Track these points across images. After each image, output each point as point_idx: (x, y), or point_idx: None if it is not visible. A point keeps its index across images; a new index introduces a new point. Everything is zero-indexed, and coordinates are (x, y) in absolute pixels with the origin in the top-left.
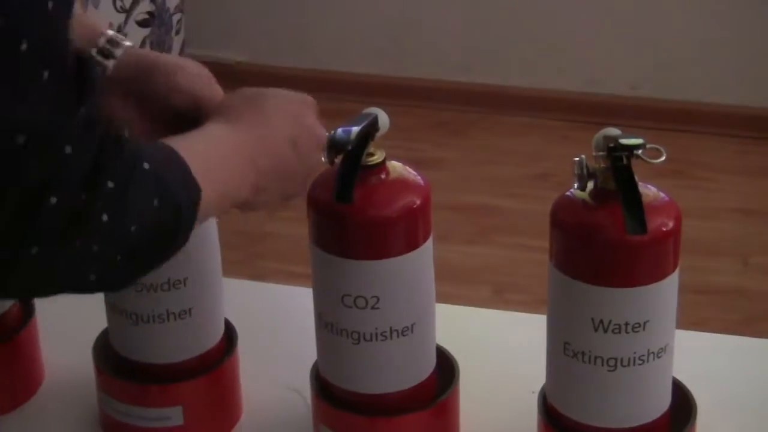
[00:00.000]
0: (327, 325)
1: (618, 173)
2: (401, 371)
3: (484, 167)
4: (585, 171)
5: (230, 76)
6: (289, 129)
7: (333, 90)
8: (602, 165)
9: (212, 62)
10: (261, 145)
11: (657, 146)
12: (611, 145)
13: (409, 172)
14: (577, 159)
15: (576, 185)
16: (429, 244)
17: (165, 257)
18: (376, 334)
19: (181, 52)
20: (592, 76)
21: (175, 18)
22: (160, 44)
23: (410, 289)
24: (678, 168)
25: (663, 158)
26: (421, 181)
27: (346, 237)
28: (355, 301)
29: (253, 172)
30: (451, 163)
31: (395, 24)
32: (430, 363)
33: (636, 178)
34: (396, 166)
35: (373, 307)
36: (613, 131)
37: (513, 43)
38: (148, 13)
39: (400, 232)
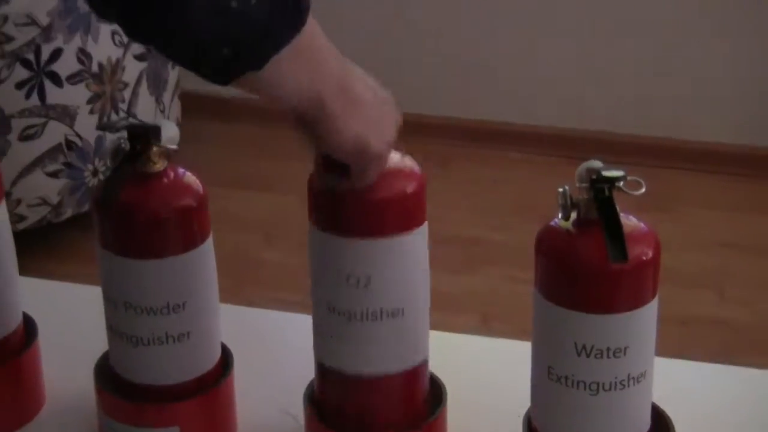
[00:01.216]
0: (321, 304)
1: (600, 204)
2: (391, 354)
3: (472, 199)
4: (568, 201)
5: (225, 110)
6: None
7: None
8: (585, 196)
9: (206, 96)
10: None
11: (637, 178)
12: (594, 176)
13: (406, 160)
14: (561, 190)
15: (560, 215)
16: (423, 229)
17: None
18: (367, 314)
19: (177, 86)
20: (578, 112)
21: None
22: (157, 78)
23: (402, 270)
24: (659, 203)
25: (643, 190)
26: (417, 169)
27: (340, 215)
28: (347, 279)
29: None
30: (440, 195)
31: (386, 60)
32: (421, 350)
33: (617, 208)
34: (394, 154)
35: (365, 287)
36: (596, 163)
37: (500, 80)
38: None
39: (395, 212)
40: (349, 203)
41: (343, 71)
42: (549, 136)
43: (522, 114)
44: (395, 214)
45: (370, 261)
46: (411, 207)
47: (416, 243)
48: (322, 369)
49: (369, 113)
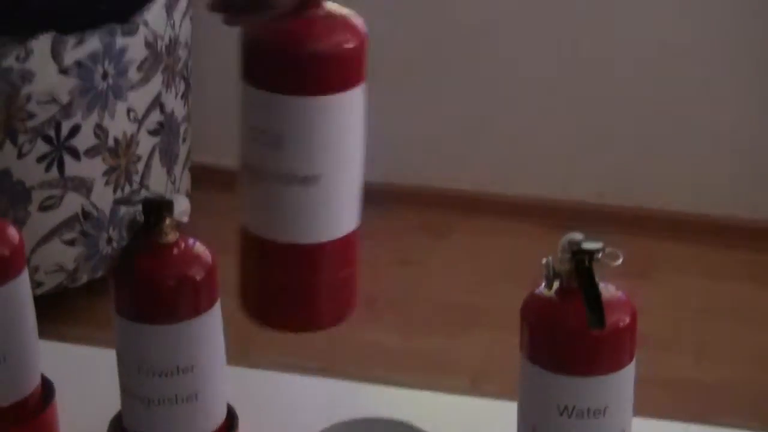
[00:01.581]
0: (241, 164)
1: (580, 274)
2: (305, 222)
3: (463, 266)
4: (551, 272)
5: (232, 181)
6: None
7: None
8: (567, 266)
9: (215, 169)
10: None
11: (615, 250)
12: (574, 249)
13: (350, 14)
14: (544, 261)
15: (544, 284)
16: (355, 93)
17: None
18: (281, 176)
19: (187, 159)
20: (562, 184)
21: (183, 127)
22: (168, 152)
23: (322, 133)
24: (639, 269)
25: (620, 261)
26: (359, 25)
27: (261, 66)
28: (259, 137)
29: None
30: (434, 263)
31: (385, 133)
32: (346, 221)
33: (597, 278)
34: (332, 6)
35: (277, 148)
36: (577, 236)
37: (489, 154)
38: (159, 123)
39: (321, 69)
40: (269, 54)
41: None
42: (535, 207)
43: (512, 185)
44: (321, 71)
45: (285, 118)
46: (340, 65)
47: (343, 106)
48: (245, 235)
49: None
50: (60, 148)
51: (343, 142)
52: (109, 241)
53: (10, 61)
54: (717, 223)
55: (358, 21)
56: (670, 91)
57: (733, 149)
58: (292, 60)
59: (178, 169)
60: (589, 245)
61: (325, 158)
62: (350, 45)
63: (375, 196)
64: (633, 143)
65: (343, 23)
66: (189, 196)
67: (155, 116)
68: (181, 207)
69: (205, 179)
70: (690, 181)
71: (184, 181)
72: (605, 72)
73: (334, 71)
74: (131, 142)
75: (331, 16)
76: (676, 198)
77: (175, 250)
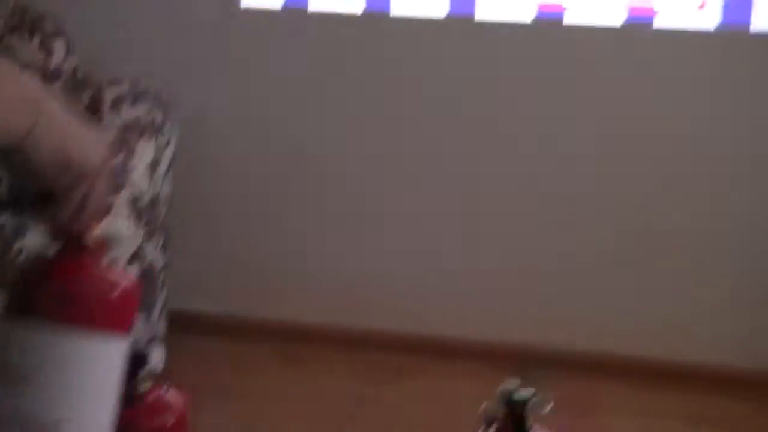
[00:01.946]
0: None
1: (513, 419)
2: None
3: (422, 407)
4: (489, 416)
5: (207, 326)
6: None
7: (296, 340)
8: (502, 412)
9: (192, 314)
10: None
11: (544, 399)
12: (507, 397)
13: (127, 275)
14: (482, 407)
15: (483, 427)
16: (116, 344)
17: None
18: (19, 421)
19: (164, 306)
20: (517, 328)
21: (161, 276)
22: (146, 299)
23: (73, 376)
24: (585, 409)
25: (548, 409)
26: (132, 279)
27: (23, 295)
28: (6, 370)
29: (35, 110)
30: (393, 402)
31: (347, 277)
32: None
33: (528, 423)
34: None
35: (15, 386)
36: (512, 385)
37: (442, 299)
38: (140, 273)
39: (81, 304)
40: (34, 282)
41: (30, 94)
42: (488, 351)
43: (465, 329)
44: (81, 307)
45: (33, 352)
46: (107, 308)
47: (101, 353)
48: None
49: (71, 130)
50: None
51: (90, 390)
52: None
53: (3, 219)
54: (654, 366)
55: (134, 283)
56: (608, 243)
57: (669, 291)
58: (48, 290)
59: (155, 316)
60: (519, 396)
61: (69, 403)
62: (119, 293)
63: (343, 339)
64: (576, 289)
65: (115, 276)
66: (164, 340)
67: (135, 267)
68: (155, 360)
69: (181, 324)
70: (633, 327)
71: (161, 326)
72: (564, 221)
73: (87, 309)
74: None
75: (106, 268)
76: (623, 342)
77: (149, 399)
